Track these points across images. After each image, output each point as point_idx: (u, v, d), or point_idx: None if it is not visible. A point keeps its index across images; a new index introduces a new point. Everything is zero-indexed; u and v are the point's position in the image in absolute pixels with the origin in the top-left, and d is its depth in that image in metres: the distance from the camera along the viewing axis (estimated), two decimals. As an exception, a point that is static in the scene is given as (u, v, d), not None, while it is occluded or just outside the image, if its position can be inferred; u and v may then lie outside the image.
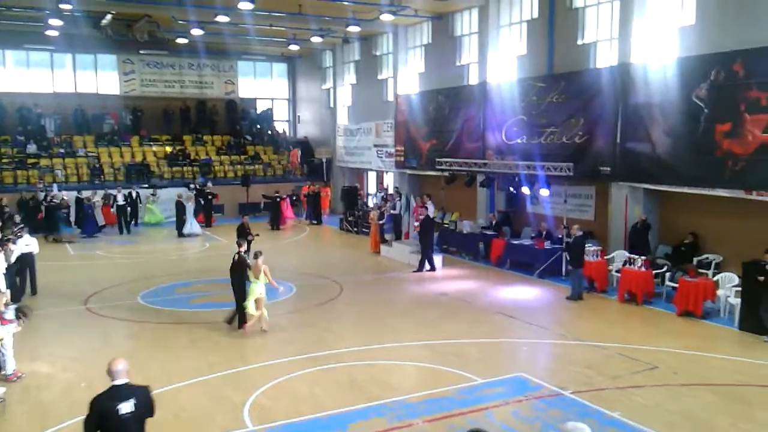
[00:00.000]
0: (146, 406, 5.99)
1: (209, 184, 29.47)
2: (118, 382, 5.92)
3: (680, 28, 16.60)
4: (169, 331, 13.05)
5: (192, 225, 26.04)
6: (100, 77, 34.02)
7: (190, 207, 26.24)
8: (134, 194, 27.31)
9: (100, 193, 27.16)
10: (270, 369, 10.74)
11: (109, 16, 25.71)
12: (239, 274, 12.98)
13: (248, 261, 13.14)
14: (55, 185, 28.14)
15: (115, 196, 26.59)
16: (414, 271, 18.66)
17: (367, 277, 18.27)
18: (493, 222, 20.90)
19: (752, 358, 11.07)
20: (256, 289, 12.80)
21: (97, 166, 30.42)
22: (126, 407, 5.74)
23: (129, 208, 26.94)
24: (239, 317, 13.02)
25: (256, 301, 12.82)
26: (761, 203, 14.52)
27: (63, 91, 33.18)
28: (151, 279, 17.88)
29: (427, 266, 18.77)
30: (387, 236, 22.22)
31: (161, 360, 11.28)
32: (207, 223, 27.76)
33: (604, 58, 18.83)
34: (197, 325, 13.45)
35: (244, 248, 13.44)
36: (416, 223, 19.67)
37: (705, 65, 15.19)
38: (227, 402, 9.43)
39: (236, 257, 13.11)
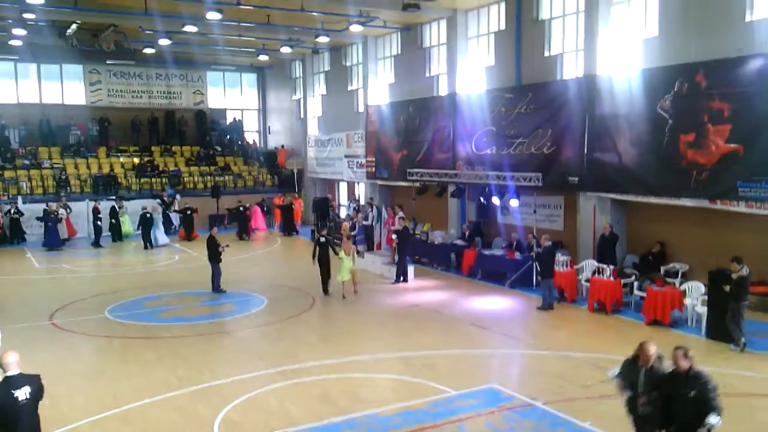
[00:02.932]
0: (39, 392, 6.74)
1: (178, 197, 29.18)
2: (11, 372, 6.60)
3: (644, 40, 16.92)
4: (137, 346, 12.83)
5: (161, 236, 25.90)
6: (66, 87, 33.50)
7: (157, 219, 26.04)
8: (117, 208, 26.96)
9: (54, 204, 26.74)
10: (241, 383, 10.61)
11: (74, 26, 25.35)
12: (326, 253, 17.05)
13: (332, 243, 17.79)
14: (19, 197, 27.63)
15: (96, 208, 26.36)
16: (392, 282, 18.68)
17: (339, 288, 18.16)
18: (466, 233, 20.96)
19: (718, 366, 11.21)
20: (348, 263, 16.83)
21: (63, 177, 29.87)
22: (22, 394, 6.50)
23: (113, 221, 26.71)
24: (324, 287, 17.10)
25: (351, 272, 16.90)
26: (725, 212, 14.81)
27: (28, 101, 32.59)
28: (119, 293, 17.59)
29: (401, 279, 18.80)
30: (359, 247, 22.17)
31: (129, 375, 11.09)
32: (188, 237, 27.45)
33: (571, 70, 19.11)
34: (166, 339, 13.27)
35: (324, 233, 18.14)
36: (393, 236, 19.67)
37: (669, 76, 15.49)
38: (197, 417, 9.29)
39: (322, 239, 17.22)
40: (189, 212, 27.74)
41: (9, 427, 6.45)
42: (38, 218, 25.67)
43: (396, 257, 19.39)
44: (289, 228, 29.33)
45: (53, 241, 25.16)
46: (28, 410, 6.58)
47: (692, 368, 6.78)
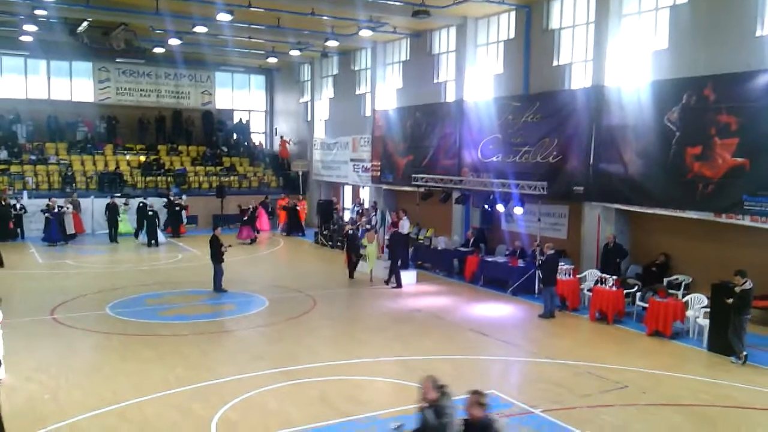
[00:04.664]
0: None
1: (184, 197, 29.28)
2: None
3: (654, 52, 16.91)
4: (137, 343, 12.83)
5: (158, 235, 26.19)
6: (75, 84, 33.60)
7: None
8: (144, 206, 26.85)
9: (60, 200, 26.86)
10: (239, 383, 10.60)
11: (85, 24, 25.47)
12: (353, 243, 20.14)
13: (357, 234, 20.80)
14: (25, 192, 27.71)
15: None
16: (390, 286, 18.62)
17: (340, 291, 18.18)
18: (471, 239, 20.95)
19: (719, 379, 11.20)
20: (373, 249, 19.46)
21: (69, 174, 29.98)
22: None
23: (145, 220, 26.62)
24: (350, 272, 19.92)
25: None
26: (730, 226, 14.78)
27: (36, 97, 32.71)
28: (121, 289, 17.62)
29: (393, 282, 18.76)
30: (362, 251, 22.14)
31: (128, 372, 11.08)
32: (175, 233, 27.74)
33: (579, 80, 19.10)
34: (166, 337, 13.27)
35: (353, 227, 21.68)
36: (386, 238, 19.82)
37: (677, 89, 15.49)
38: (194, 416, 9.28)
39: (350, 232, 20.71)
40: (178, 208, 28.01)
41: None
42: (42, 211, 25.77)
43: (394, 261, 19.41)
44: (293, 229, 29.52)
45: (53, 236, 25.27)
46: None
47: (486, 417, 6.25)
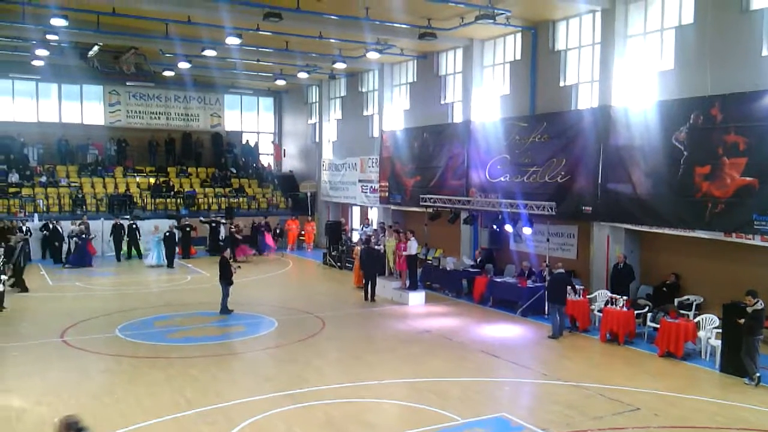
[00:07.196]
0: None
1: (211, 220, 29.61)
2: None
3: (660, 73, 16.96)
4: (147, 366, 12.82)
5: (152, 257, 26.18)
6: (86, 107, 33.99)
7: (154, 239, 26.29)
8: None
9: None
10: (247, 406, 10.56)
11: (96, 48, 25.79)
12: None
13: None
14: (35, 215, 27.90)
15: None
16: (370, 299, 19.41)
17: (349, 312, 18.15)
18: (479, 259, 20.92)
19: (732, 401, 11.08)
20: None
21: (80, 196, 30.19)
22: None
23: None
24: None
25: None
26: (740, 245, 14.71)
27: (47, 120, 33.09)
28: (130, 312, 17.63)
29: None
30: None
31: (137, 395, 11.06)
32: (185, 254, 27.89)
33: (586, 100, 19.15)
34: (175, 359, 13.25)
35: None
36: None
37: (684, 109, 15.50)
38: (204, 440, 9.25)
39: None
40: (188, 229, 28.17)
41: None
42: (71, 235, 26.03)
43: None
44: (213, 249, 28.65)
45: (83, 260, 25.48)
46: None
47: None
